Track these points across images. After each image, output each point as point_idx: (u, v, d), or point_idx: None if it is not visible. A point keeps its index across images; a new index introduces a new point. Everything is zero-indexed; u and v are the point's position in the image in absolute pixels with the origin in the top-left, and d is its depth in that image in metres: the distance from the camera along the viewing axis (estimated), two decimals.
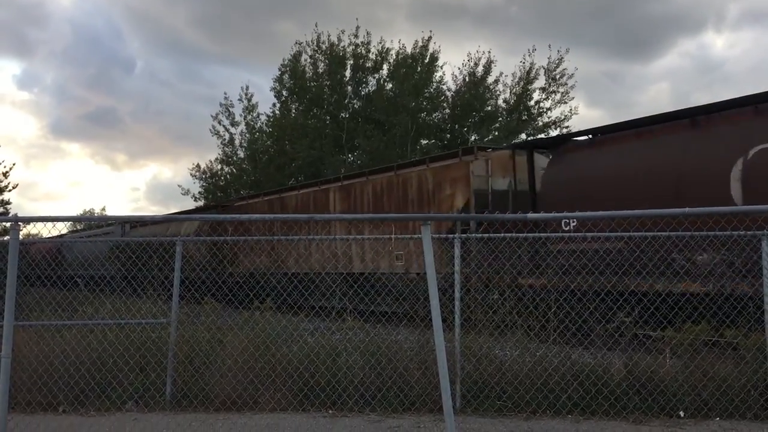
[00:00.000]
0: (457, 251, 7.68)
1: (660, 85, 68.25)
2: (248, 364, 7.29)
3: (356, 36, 35.16)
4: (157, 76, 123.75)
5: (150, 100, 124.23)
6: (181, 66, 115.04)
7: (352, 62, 35.52)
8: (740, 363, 7.03)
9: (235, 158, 38.86)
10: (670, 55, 67.28)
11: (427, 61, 35.02)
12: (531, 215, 5.13)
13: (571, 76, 33.58)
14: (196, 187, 40.52)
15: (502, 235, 8.48)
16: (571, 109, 35.03)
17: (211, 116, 39.83)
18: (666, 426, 6.39)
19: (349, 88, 35.82)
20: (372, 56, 35.46)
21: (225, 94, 38.82)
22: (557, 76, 33.56)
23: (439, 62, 35.34)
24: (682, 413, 6.69)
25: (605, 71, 60.82)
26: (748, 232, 8.38)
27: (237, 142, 38.69)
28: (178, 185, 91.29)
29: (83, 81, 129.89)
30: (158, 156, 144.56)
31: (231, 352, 7.53)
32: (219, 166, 39.63)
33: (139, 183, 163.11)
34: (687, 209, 4.79)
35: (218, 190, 39.00)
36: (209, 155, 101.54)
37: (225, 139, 38.63)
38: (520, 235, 8.65)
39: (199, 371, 7.33)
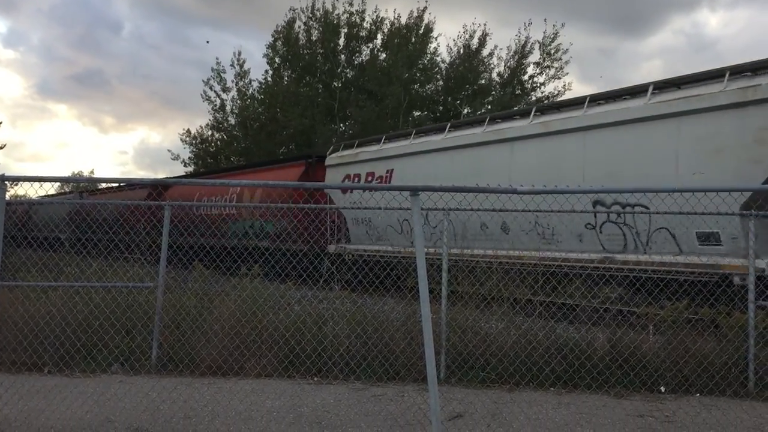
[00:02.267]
0: (446, 224, 7.71)
1: (653, 63, 68.04)
2: (234, 329, 7.32)
3: (351, 4, 34.86)
4: (145, 38, 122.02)
5: (138, 63, 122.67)
6: (169, 29, 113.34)
7: (346, 31, 35.21)
8: (722, 341, 7.12)
9: (225, 124, 38.63)
10: (664, 32, 67.05)
11: (421, 32, 34.76)
12: (521, 188, 5.13)
13: (565, 52, 33.50)
14: (186, 153, 40.38)
15: (492, 209, 8.49)
16: (564, 85, 35.03)
17: (203, 81, 39.52)
18: (647, 401, 6.48)
19: (343, 57, 35.54)
20: (366, 25, 35.20)
21: (217, 59, 38.43)
22: (552, 51, 33.45)
23: (434, 33, 35.15)
24: (663, 388, 6.78)
25: (598, 47, 60.56)
26: (737, 212, 8.46)
27: (228, 108, 38.43)
28: (168, 150, 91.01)
29: (70, 41, 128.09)
30: (146, 120, 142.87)
31: (218, 318, 7.55)
32: (209, 132, 39.41)
33: (126, 147, 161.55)
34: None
35: (208, 156, 38.82)
36: (198, 120, 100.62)
37: (216, 105, 38.34)
38: (513, 210, 8.67)
39: (186, 336, 7.35)
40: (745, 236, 8.79)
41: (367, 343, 7.33)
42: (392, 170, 16.32)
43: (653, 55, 69.24)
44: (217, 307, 7.84)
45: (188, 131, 39.82)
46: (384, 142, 17.14)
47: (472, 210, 7.72)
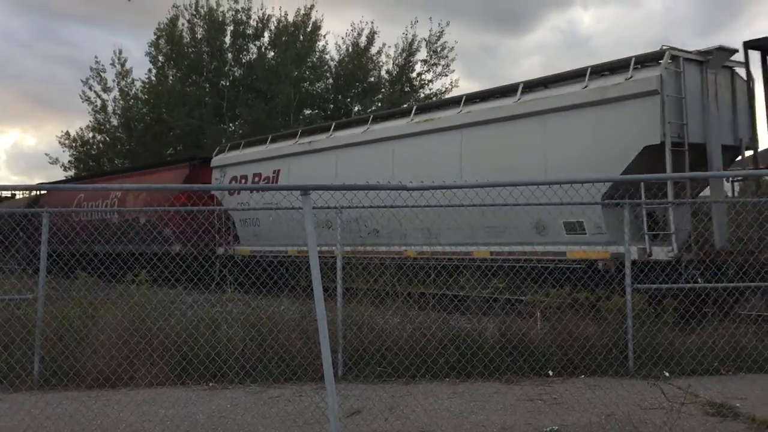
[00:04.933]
0: (339, 221, 7.73)
1: (532, 59, 70.88)
2: (122, 338, 7.05)
3: (236, 2, 34.24)
4: (12, 36, 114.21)
5: (6, 62, 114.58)
6: (38, 25, 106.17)
7: (232, 29, 34.58)
8: (602, 324, 7.53)
9: (108, 126, 37.03)
10: (542, 30, 69.90)
11: (309, 30, 34.63)
12: (410, 185, 5.23)
13: (451, 49, 34.26)
14: (65, 156, 38.45)
15: (387, 205, 8.58)
16: (451, 82, 35.85)
17: (81, 81, 37.74)
18: (536, 385, 6.76)
19: (230, 55, 34.87)
20: (253, 23, 34.70)
21: (96, 58, 36.77)
22: (438, 49, 34.13)
23: (322, 31, 35.11)
24: (550, 372, 7.09)
25: (481, 44, 62.24)
26: (613, 200, 8.97)
27: (110, 109, 36.84)
28: (46, 154, 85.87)
29: None
30: (19, 122, 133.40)
31: (104, 327, 7.24)
32: (90, 134, 37.65)
33: None
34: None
35: (90, 159, 37.11)
36: (78, 122, 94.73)
37: (97, 106, 36.67)
38: (410, 206, 8.74)
39: (69, 348, 7.01)
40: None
41: (262, 345, 7.25)
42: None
43: (533, 52, 72.18)
44: (103, 317, 7.52)
45: (67, 133, 37.95)
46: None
47: (362, 207, 7.78)
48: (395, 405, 6.07)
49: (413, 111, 13.52)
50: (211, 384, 6.94)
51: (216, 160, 18.55)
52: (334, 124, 15.67)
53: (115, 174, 25.55)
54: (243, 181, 17.37)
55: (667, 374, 6.97)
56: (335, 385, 4.67)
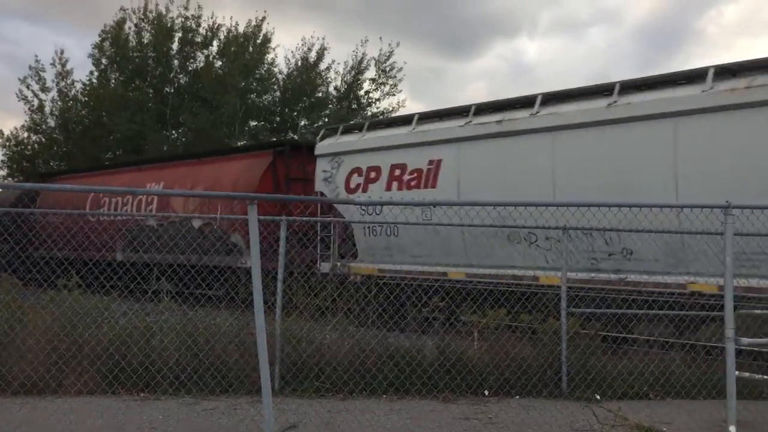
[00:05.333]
0: (282, 233, 7.66)
1: (477, 84, 72.02)
2: (52, 344, 6.81)
3: (186, 8, 33.83)
4: None
5: None
6: None
7: (180, 35, 34.12)
8: (538, 345, 7.66)
9: (44, 126, 35.89)
10: (488, 57, 71.03)
11: (259, 41, 34.46)
12: (358, 200, 5.24)
13: (400, 70, 34.58)
14: None
15: (330, 218, 8.58)
16: (399, 102, 36.18)
17: (19, 79, 36.49)
18: (472, 404, 6.82)
19: (176, 62, 34.36)
20: (202, 31, 34.32)
21: (36, 56, 35.75)
22: (387, 69, 34.40)
23: (272, 44, 34.97)
24: (486, 392, 7.17)
25: (429, 67, 62.84)
26: (555, 227, 9.11)
27: (48, 109, 35.72)
28: None
29: None
30: None
31: (33, 332, 6.98)
32: (26, 134, 36.41)
33: None
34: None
35: (24, 159, 35.85)
36: (13, 121, 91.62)
37: (33, 106, 35.53)
38: (367, 221, 8.77)
39: None
40: None
41: (198, 355, 7.11)
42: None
43: (479, 77, 73.29)
44: (32, 321, 7.26)
45: (1, 132, 36.62)
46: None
47: (308, 219, 7.76)
48: (332, 420, 6.03)
49: (710, 75, 8.98)
50: (142, 394, 6.76)
51: (323, 147, 13.81)
52: (540, 96, 10.89)
53: (152, 164, 19.89)
54: (373, 174, 12.39)
55: (598, 397, 7.12)
56: (271, 399, 4.62)
